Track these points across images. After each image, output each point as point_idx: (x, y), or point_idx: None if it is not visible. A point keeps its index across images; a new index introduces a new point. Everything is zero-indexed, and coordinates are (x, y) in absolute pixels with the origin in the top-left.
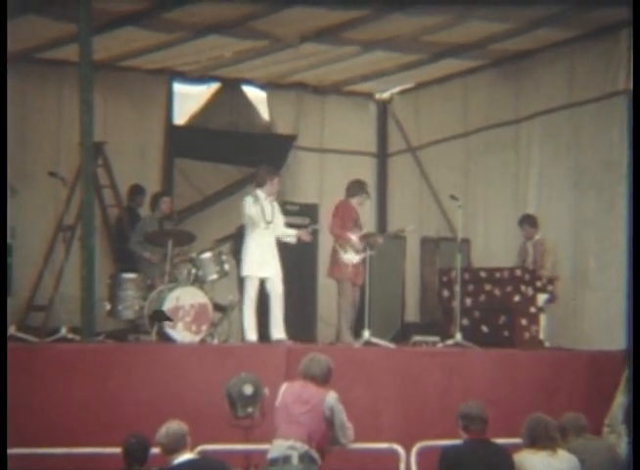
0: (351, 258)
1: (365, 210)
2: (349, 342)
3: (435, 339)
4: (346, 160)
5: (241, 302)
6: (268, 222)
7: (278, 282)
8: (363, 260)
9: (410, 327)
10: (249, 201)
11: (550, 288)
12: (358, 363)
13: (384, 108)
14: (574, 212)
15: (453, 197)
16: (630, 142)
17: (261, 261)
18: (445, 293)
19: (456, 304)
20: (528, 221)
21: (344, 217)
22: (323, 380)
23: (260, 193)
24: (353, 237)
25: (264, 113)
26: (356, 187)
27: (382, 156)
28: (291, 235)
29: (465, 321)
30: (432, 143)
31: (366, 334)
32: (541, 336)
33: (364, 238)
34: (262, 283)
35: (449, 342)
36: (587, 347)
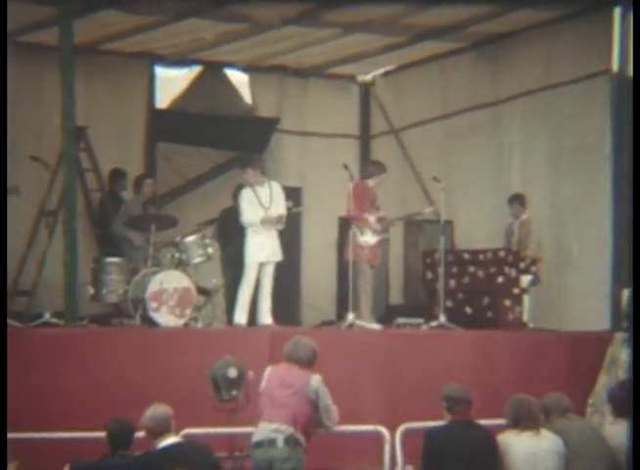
0: (369, 239)
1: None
2: (370, 326)
3: (419, 321)
4: (329, 142)
5: (237, 284)
6: (265, 208)
7: (272, 267)
8: (380, 242)
9: (394, 309)
10: (244, 193)
11: (533, 269)
12: (343, 346)
13: (366, 90)
14: (555, 194)
15: (436, 179)
16: (613, 123)
17: (261, 246)
18: (429, 275)
19: (440, 285)
20: (518, 200)
21: (362, 199)
22: (308, 363)
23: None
24: (371, 218)
25: (246, 96)
26: (373, 168)
27: (364, 138)
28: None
29: (449, 303)
30: (413, 125)
31: (350, 317)
32: (525, 317)
33: (382, 220)
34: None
35: (433, 323)
36: (570, 328)
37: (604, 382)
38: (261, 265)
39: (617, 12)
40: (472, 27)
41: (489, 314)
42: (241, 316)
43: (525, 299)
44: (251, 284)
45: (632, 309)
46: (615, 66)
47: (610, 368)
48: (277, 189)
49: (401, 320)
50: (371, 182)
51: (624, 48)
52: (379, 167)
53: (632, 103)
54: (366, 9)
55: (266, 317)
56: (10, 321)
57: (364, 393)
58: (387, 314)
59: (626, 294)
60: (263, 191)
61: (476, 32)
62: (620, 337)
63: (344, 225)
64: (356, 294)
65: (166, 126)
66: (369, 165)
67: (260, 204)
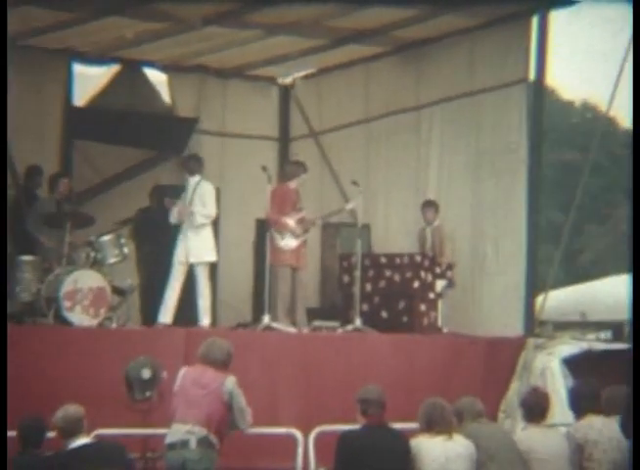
0: (289, 243)
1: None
2: (285, 329)
3: (335, 324)
4: (248, 144)
5: (152, 283)
6: (185, 205)
7: (200, 268)
8: (304, 243)
9: (310, 312)
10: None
11: (449, 274)
12: (258, 348)
13: (286, 92)
14: (473, 198)
15: (354, 182)
16: (529, 131)
17: (183, 245)
18: (346, 278)
19: (356, 289)
20: (433, 206)
21: (282, 202)
22: (223, 364)
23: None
24: (290, 221)
25: (165, 95)
26: (294, 168)
27: (284, 140)
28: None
29: (365, 306)
30: (334, 128)
31: (266, 319)
32: (439, 322)
33: (303, 221)
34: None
35: (349, 327)
36: (484, 333)
37: (516, 387)
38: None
39: (535, 20)
40: (395, 32)
41: (405, 318)
42: (165, 315)
43: (440, 303)
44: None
45: (632, 308)
46: (531, 74)
47: (522, 374)
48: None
49: (317, 323)
50: (292, 184)
51: (541, 56)
52: (299, 168)
53: (632, 104)
54: (288, 11)
55: (206, 318)
56: None
57: (280, 395)
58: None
59: (540, 300)
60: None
61: (398, 37)
62: (533, 343)
63: (262, 227)
64: (273, 297)
65: (84, 124)
66: (289, 166)
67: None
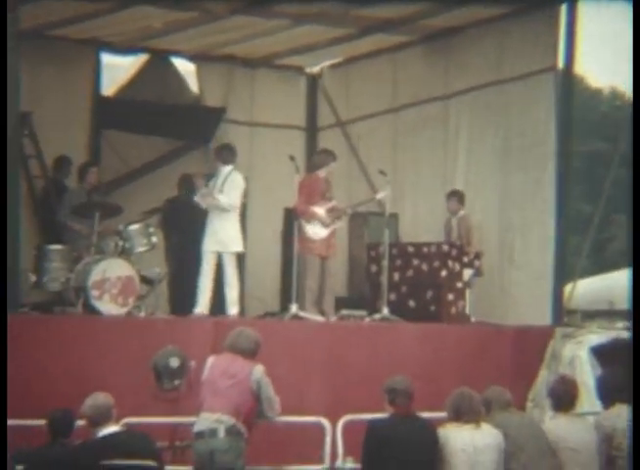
0: (318, 232)
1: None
2: (313, 318)
3: (363, 313)
4: (276, 133)
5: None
6: (210, 194)
7: (228, 257)
8: (334, 233)
9: (338, 301)
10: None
11: (477, 263)
12: (286, 337)
13: (314, 82)
14: (501, 189)
15: (382, 172)
16: (557, 120)
17: (212, 235)
18: (373, 267)
19: (384, 278)
20: (456, 196)
21: (311, 192)
22: (250, 354)
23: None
24: (319, 211)
25: (193, 85)
26: (322, 157)
27: (311, 130)
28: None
29: (392, 296)
30: (361, 118)
31: (293, 308)
32: (467, 311)
33: (333, 210)
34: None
35: (376, 316)
36: (513, 322)
37: (544, 377)
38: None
39: (564, 8)
40: (422, 21)
41: (432, 308)
42: (200, 305)
43: (468, 292)
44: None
45: (632, 309)
46: (560, 62)
47: (550, 363)
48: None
49: (345, 312)
50: (321, 173)
51: (570, 45)
52: (328, 156)
53: (632, 104)
54: (316, 0)
55: (233, 307)
56: None
57: (307, 384)
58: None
59: (568, 289)
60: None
61: (426, 26)
62: (561, 332)
63: (290, 217)
64: (301, 286)
65: (112, 114)
66: (318, 155)
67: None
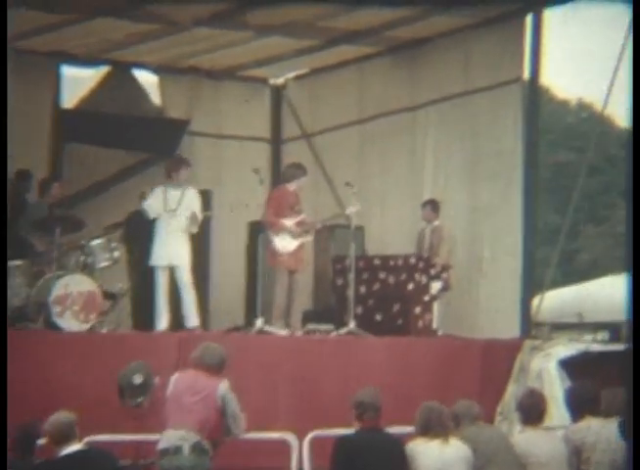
0: (287, 245)
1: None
2: (279, 332)
3: (329, 327)
4: (241, 146)
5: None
6: (171, 210)
7: (184, 270)
8: (302, 246)
9: (305, 315)
10: (155, 190)
11: (444, 276)
12: (252, 352)
13: (278, 94)
14: (469, 200)
15: (348, 184)
16: (524, 131)
17: (166, 250)
18: (339, 281)
19: (350, 292)
20: (431, 205)
21: (279, 204)
22: (216, 369)
23: (168, 183)
24: (288, 223)
25: (156, 97)
26: (292, 170)
27: (276, 142)
28: (194, 224)
29: (359, 309)
30: (327, 130)
31: (259, 322)
32: (434, 324)
33: (302, 224)
34: (172, 271)
35: (343, 330)
36: (481, 335)
37: (513, 390)
38: (172, 269)
39: (529, 19)
40: (388, 32)
41: (400, 321)
42: (161, 321)
43: (435, 306)
44: (164, 289)
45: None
46: (526, 73)
47: (519, 376)
48: (191, 196)
49: (311, 326)
50: (291, 186)
51: (536, 56)
52: (299, 170)
53: (632, 105)
54: (280, 11)
55: (192, 319)
56: None
57: (274, 399)
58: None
59: (536, 301)
60: (174, 193)
61: (392, 37)
62: (530, 345)
63: (255, 230)
64: (267, 300)
65: (74, 127)
66: (289, 168)
67: (165, 204)
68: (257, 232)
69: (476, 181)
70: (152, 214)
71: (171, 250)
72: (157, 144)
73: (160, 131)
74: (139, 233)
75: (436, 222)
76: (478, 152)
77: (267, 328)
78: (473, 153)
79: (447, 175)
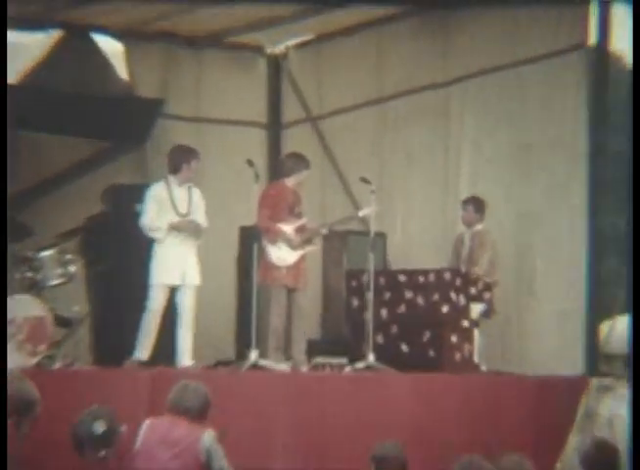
0: (285, 256)
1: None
2: (278, 367)
3: (342, 361)
4: (229, 132)
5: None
6: (182, 215)
7: (190, 293)
8: (304, 258)
9: (311, 345)
10: (154, 189)
11: (487, 296)
12: (244, 392)
13: (277, 65)
14: (517, 201)
15: (364, 180)
16: (589, 110)
17: (169, 266)
18: (355, 302)
19: (368, 315)
20: (474, 204)
21: (275, 205)
22: (199, 415)
23: (173, 179)
24: (287, 229)
25: (122, 70)
26: (291, 163)
27: (274, 127)
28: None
29: (380, 338)
30: (338, 111)
31: (253, 355)
32: (475, 357)
33: (303, 230)
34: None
35: (360, 364)
36: (534, 371)
37: (576, 441)
38: (171, 289)
39: None
40: None
41: (431, 353)
42: (142, 350)
43: (477, 333)
44: (157, 313)
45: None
46: (592, 38)
47: (583, 424)
48: (198, 197)
49: (319, 360)
50: (289, 182)
51: (603, 18)
52: (299, 163)
53: (632, 105)
54: None
55: (185, 358)
56: None
57: (270, 452)
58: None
59: (606, 328)
60: (181, 194)
61: None
62: (597, 384)
63: (248, 237)
64: (263, 326)
65: (17, 108)
66: (286, 161)
67: (175, 207)
68: (251, 240)
69: (526, 175)
70: (155, 231)
71: (185, 265)
72: (122, 130)
73: (126, 114)
74: (101, 243)
75: (479, 226)
76: (528, 137)
77: (263, 362)
78: (522, 139)
79: (490, 168)
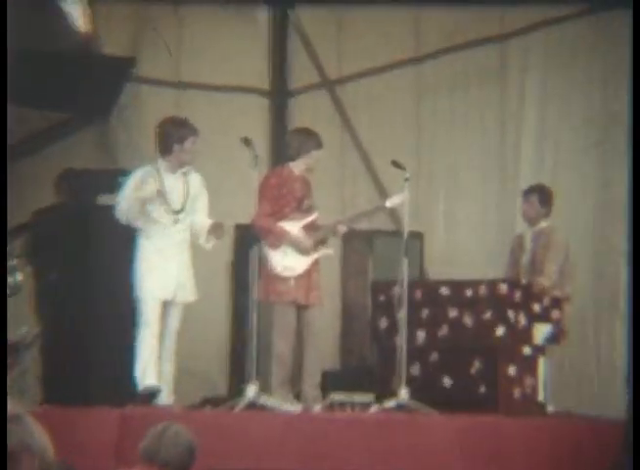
0: (293, 264)
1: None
2: (284, 407)
3: (368, 398)
4: (221, 100)
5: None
6: (176, 212)
7: (179, 312)
8: (317, 265)
9: (327, 378)
10: (137, 177)
11: (556, 315)
12: (240, 439)
13: (283, 17)
14: (598, 188)
15: (396, 163)
16: None
17: (163, 276)
18: (383, 322)
19: (401, 340)
20: (539, 194)
21: (279, 198)
22: (180, 467)
23: (163, 164)
24: (293, 228)
25: (81, 22)
26: (298, 141)
27: (280, 94)
28: (205, 231)
29: (415, 369)
30: (361, 74)
31: (251, 391)
32: (541, 395)
33: (312, 229)
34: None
35: (390, 403)
36: (618, 413)
37: None
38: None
39: None
40: None
41: (482, 389)
42: (150, 378)
43: (542, 364)
44: (153, 332)
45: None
46: None
47: None
48: (198, 185)
49: (337, 397)
50: (297, 167)
51: None
52: (307, 141)
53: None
54: None
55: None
56: None
57: None
58: None
59: None
60: (174, 183)
61: None
62: None
63: (245, 239)
64: (264, 354)
65: None
66: (292, 139)
67: (166, 201)
68: (249, 243)
69: (608, 158)
70: (134, 222)
71: (178, 276)
72: (82, 97)
73: (87, 77)
74: (56, 243)
75: (545, 223)
76: (612, 106)
77: (264, 401)
78: (603, 108)
79: (560, 148)
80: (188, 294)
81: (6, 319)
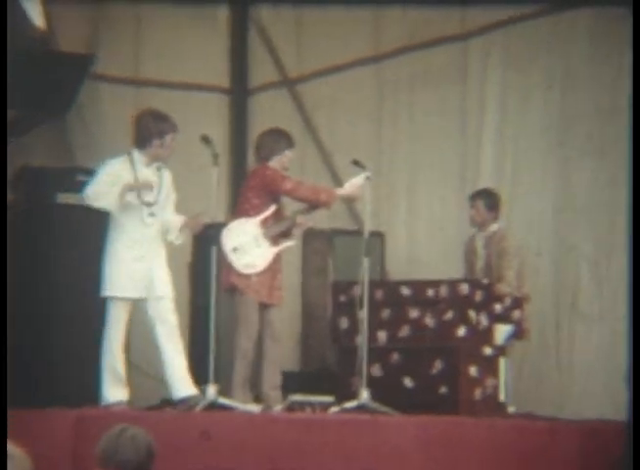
0: (252, 261)
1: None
2: (243, 407)
3: (328, 399)
4: (181, 98)
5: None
6: (149, 205)
7: (168, 305)
8: (279, 260)
9: (287, 379)
10: (112, 164)
11: (516, 315)
12: (199, 441)
13: (242, 16)
14: (558, 189)
15: (357, 163)
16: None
17: (134, 271)
18: (343, 322)
19: (362, 340)
20: (485, 199)
21: (269, 194)
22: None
23: (139, 156)
24: (249, 221)
25: (37, 16)
26: (270, 141)
27: (239, 93)
28: (175, 227)
29: (376, 370)
30: (322, 72)
31: (210, 391)
32: (501, 395)
33: (272, 221)
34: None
35: (350, 404)
36: (577, 414)
37: None
38: (133, 303)
39: None
40: None
41: (443, 390)
42: (115, 392)
43: (503, 364)
44: (120, 334)
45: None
46: None
47: None
48: (169, 180)
49: (296, 398)
50: (274, 163)
51: None
52: (279, 140)
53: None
54: None
55: (183, 387)
56: None
57: None
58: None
59: None
60: (149, 175)
61: None
62: None
63: (205, 239)
64: (225, 354)
65: None
66: (264, 139)
67: (139, 194)
68: (208, 242)
69: (569, 158)
70: (106, 202)
71: (150, 271)
72: (38, 95)
73: (44, 74)
74: (14, 244)
75: (495, 226)
76: (572, 108)
77: (224, 401)
78: (563, 109)
79: (520, 147)
80: (165, 289)
81: (6, 319)
